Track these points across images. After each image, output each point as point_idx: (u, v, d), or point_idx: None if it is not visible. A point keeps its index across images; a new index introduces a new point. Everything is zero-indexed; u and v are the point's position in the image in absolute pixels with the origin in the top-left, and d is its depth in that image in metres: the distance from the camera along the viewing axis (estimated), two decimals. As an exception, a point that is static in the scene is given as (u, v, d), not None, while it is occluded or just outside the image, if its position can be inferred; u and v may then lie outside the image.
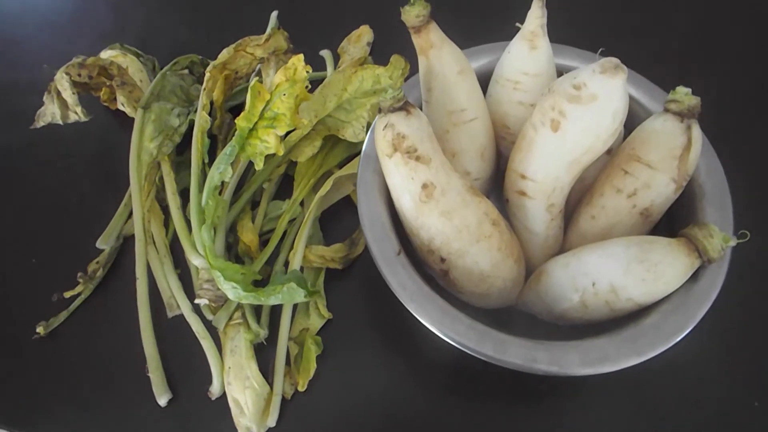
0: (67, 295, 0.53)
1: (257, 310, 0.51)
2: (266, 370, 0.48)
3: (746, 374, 0.48)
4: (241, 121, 0.49)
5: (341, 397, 0.48)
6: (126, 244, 0.56)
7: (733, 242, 0.37)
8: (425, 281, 0.41)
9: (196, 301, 0.49)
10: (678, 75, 0.45)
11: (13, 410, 0.48)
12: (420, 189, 0.39)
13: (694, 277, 0.38)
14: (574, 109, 0.36)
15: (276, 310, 0.51)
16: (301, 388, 0.47)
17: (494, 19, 0.57)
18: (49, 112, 0.56)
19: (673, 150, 0.39)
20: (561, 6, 0.52)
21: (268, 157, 0.51)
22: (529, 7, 0.43)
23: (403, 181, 0.40)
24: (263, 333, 0.49)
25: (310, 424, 0.47)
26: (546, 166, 0.41)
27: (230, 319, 0.49)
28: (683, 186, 0.41)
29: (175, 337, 0.50)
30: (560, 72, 0.43)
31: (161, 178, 0.57)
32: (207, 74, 0.56)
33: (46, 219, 0.59)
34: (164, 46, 0.73)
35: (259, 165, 0.50)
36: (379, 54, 0.69)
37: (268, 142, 0.49)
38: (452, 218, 0.40)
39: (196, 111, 0.56)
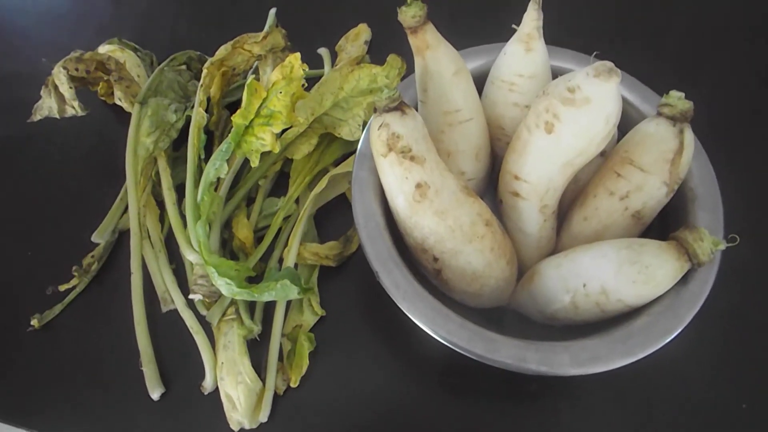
0: (62, 288, 0.53)
1: (251, 306, 0.51)
2: (259, 366, 0.48)
3: (734, 377, 0.48)
4: (237, 118, 0.49)
5: (333, 393, 0.48)
6: (121, 238, 0.57)
7: (722, 246, 0.37)
8: (418, 280, 0.41)
9: (191, 296, 0.49)
10: (671, 79, 0.45)
11: (6, 402, 0.49)
12: (414, 189, 0.40)
13: (684, 279, 0.38)
14: (567, 112, 0.37)
15: (269, 307, 0.51)
16: (294, 384, 0.48)
17: (490, 20, 0.57)
18: (46, 106, 0.56)
19: (665, 153, 0.40)
20: (557, 8, 0.53)
21: (264, 154, 0.51)
22: (525, 9, 0.43)
23: (398, 181, 0.40)
24: (256, 329, 0.49)
25: (302, 420, 0.47)
26: (539, 168, 0.41)
27: (224, 314, 0.49)
28: (675, 189, 0.41)
29: (168, 331, 0.51)
30: (556, 74, 0.43)
31: (157, 174, 0.57)
32: (204, 70, 0.56)
33: (41, 212, 0.60)
34: (162, 41, 0.73)
35: (254, 162, 0.51)
36: (376, 53, 0.69)
37: (264, 139, 0.50)
38: (446, 218, 0.40)
39: (193, 107, 0.56)
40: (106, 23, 0.77)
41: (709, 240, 0.37)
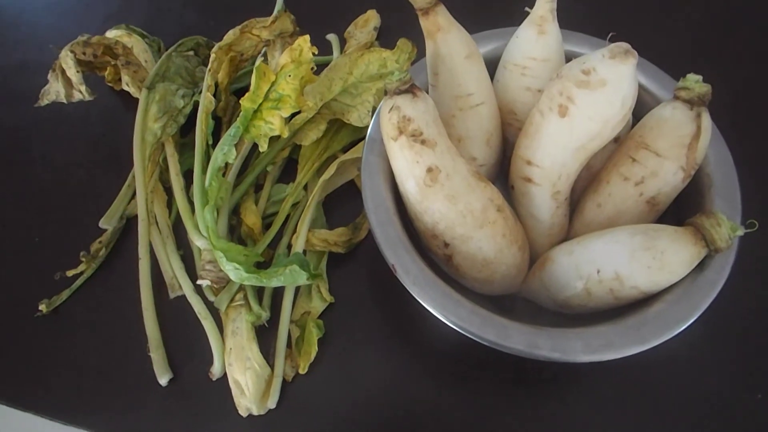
0: (70, 273, 0.53)
1: (259, 292, 0.51)
2: (267, 352, 0.48)
3: (750, 366, 0.47)
4: (245, 102, 0.49)
5: (342, 380, 0.48)
6: (129, 224, 0.57)
7: (740, 232, 0.36)
8: (429, 266, 0.40)
9: (198, 282, 0.49)
10: (688, 62, 0.45)
11: (14, 387, 0.49)
12: (425, 173, 0.39)
13: (700, 266, 0.38)
14: (582, 95, 0.36)
15: (278, 293, 0.51)
16: (302, 371, 0.47)
17: (503, 3, 0.56)
18: (54, 91, 0.56)
19: (681, 138, 0.39)
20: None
21: (273, 140, 0.51)
22: (539, -8, 0.42)
23: (408, 165, 0.39)
24: (265, 315, 0.49)
25: (310, 406, 0.47)
26: (552, 153, 0.40)
27: (232, 300, 0.49)
28: (691, 175, 0.40)
29: (176, 317, 0.50)
30: (569, 58, 0.42)
31: (165, 159, 0.56)
32: (212, 56, 0.55)
33: (49, 198, 0.59)
34: (170, 27, 0.73)
35: (263, 146, 0.50)
36: (385, 39, 0.69)
37: (272, 123, 0.49)
38: (457, 203, 0.39)
39: (200, 92, 0.56)
40: (114, 11, 0.77)
41: (727, 225, 0.36)
